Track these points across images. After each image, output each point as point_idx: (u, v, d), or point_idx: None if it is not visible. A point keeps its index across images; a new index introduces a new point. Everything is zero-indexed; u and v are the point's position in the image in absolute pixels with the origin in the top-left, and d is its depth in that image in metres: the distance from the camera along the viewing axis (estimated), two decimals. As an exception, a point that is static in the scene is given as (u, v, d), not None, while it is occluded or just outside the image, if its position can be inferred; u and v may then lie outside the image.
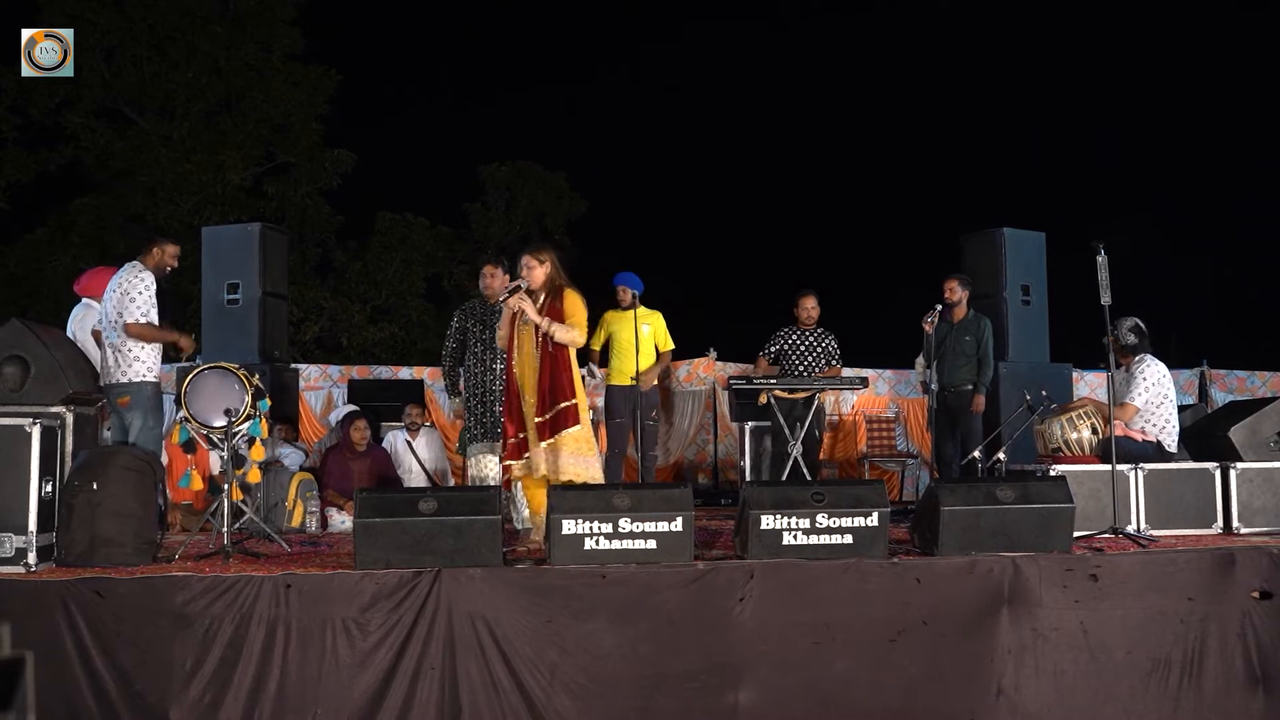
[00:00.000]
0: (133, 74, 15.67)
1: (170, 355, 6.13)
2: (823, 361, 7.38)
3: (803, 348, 7.37)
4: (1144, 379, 6.04)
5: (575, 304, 5.33)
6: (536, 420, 5.20)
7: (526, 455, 5.25)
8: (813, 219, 24.01)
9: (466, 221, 18.00)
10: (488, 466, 5.99)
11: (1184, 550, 4.70)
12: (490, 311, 6.06)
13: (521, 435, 5.26)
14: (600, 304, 7.09)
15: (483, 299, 6.24)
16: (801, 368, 7.32)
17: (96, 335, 5.95)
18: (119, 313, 5.65)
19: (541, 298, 5.31)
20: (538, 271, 5.35)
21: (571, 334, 5.25)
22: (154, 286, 5.71)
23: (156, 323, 5.69)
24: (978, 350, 7.18)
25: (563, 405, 5.17)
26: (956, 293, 7.20)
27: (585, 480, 5.13)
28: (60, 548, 4.56)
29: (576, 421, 5.19)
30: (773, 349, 7.45)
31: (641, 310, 6.89)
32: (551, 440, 5.16)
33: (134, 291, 5.66)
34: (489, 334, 6.03)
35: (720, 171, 25.51)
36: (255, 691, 4.05)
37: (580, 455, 5.20)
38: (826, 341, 7.43)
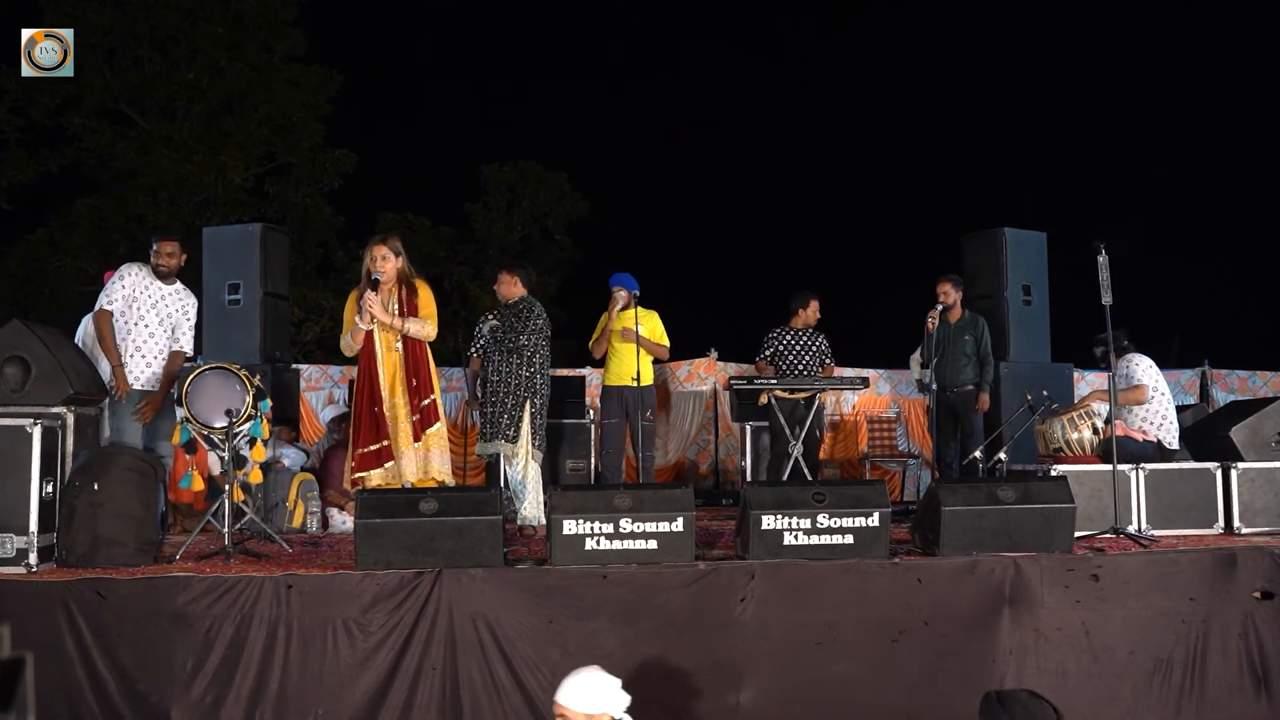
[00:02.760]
0: (134, 74, 15.66)
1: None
2: (818, 361, 7.38)
3: (798, 348, 7.37)
4: (1140, 369, 6.24)
5: (428, 296, 5.25)
6: (414, 419, 5.12)
7: (390, 463, 5.13)
8: (814, 219, 24.07)
9: (468, 222, 17.98)
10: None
11: (1185, 550, 4.70)
12: (502, 311, 6.06)
13: (385, 443, 5.12)
14: (602, 305, 7.08)
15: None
16: (800, 367, 7.32)
17: None
18: None
19: (395, 291, 5.21)
20: (393, 263, 5.21)
21: (426, 328, 5.17)
22: (127, 279, 5.51)
23: (112, 315, 5.45)
24: (978, 350, 7.18)
25: (427, 402, 5.13)
26: (950, 295, 7.21)
27: (445, 481, 5.10)
28: (61, 548, 4.55)
29: (438, 418, 5.14)
30: (768, 351, 7.44)
31: (640, 311, 6.89)
32: (422, 439, 5.11)
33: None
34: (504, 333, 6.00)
35: (722, 172, 25.55)
36: (256, 692, 4.06)
37: (445, 453, 5.18)
38: (820, 341, 7.43)
